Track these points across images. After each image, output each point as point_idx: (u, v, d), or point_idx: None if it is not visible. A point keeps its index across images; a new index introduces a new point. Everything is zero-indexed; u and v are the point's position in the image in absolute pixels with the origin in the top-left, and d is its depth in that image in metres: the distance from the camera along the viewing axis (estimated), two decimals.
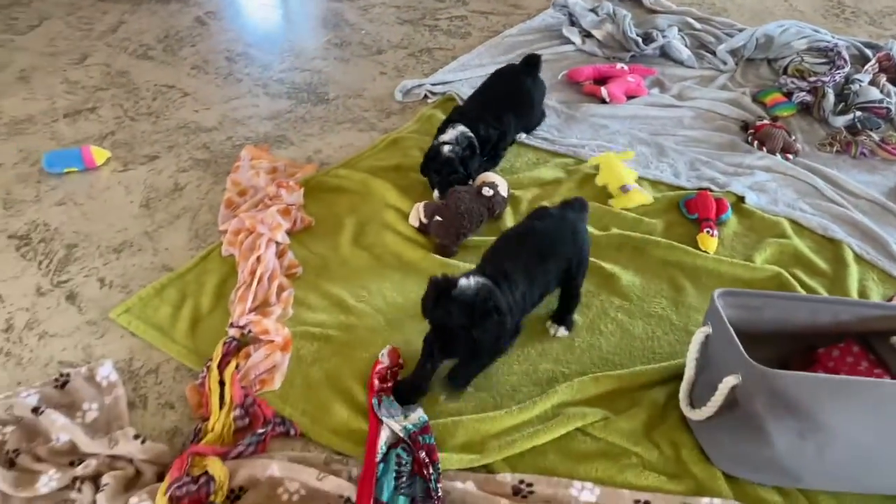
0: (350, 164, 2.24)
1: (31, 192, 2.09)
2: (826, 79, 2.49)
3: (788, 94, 2.52)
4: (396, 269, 1.87)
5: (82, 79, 2.68)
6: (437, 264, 1.84)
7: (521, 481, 1.36)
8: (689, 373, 1.45)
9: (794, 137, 2.33)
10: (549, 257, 1.56)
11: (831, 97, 2.43)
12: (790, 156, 2.27)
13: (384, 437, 1.40)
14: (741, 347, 1.30)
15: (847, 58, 2.57)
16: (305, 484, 1.34)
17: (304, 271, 1.85)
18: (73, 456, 1.39)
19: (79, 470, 1.34)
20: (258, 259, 1.81)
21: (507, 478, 1.37)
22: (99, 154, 2.18)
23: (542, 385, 1.56)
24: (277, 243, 1.89)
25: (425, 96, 2.60)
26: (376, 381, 1.52)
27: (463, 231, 1.93)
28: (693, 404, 1.43)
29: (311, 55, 2.90)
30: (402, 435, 1.40)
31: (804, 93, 2.49)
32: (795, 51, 2.71)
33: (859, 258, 1.90)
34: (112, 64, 2.79)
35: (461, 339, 1.37)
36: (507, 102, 2.23)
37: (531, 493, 1.34)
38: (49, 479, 1.33)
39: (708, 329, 1.43)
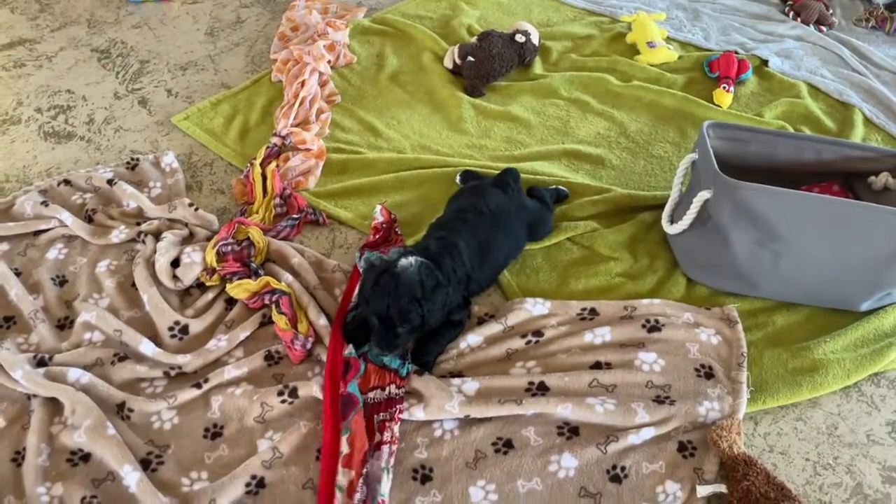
0: (397, 11, 2.39)
1: (111, 16, 2.34)
2: None
3: None
4: (426, 104, 2.05)
5: None
6: (465, 102, 2.01)
7: None
8: (673, 194, 1.60)
9: (831, 11, 2.35)
10: (502, 233, 1.51)
11: None
12: (824, 28, 2.31)
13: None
14: (715, 163, 1.44)
15: None
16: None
17: (342, 100, 2.05)
18: (139, 218, 1.66)
19: (143, 226, 1.61)
20: (302, 84, 2.01)
21: None
22: None
23: None
24: (320, 73, 2.09)
25: None
26: (371, 235, 1.63)
27: (493, 73, 2.08)
28: (673, 222, 1.59)
29: None
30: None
31: None
32: None
33: (868, 121, 1.97)
34: None
35: (409, 318, 1.28)
36: None
37: None
38: (119, 233, 1.61)
39: (694, 155, 1.57)
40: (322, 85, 2.08)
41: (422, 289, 1.29)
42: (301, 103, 1.97)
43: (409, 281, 1.29)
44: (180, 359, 1.37)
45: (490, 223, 1.49)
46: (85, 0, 2.41)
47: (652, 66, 2.15)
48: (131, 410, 1.30)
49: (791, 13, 2.35)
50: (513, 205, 1.55)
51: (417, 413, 1.27)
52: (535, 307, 1.47)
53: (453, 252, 1.39)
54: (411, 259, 1.32)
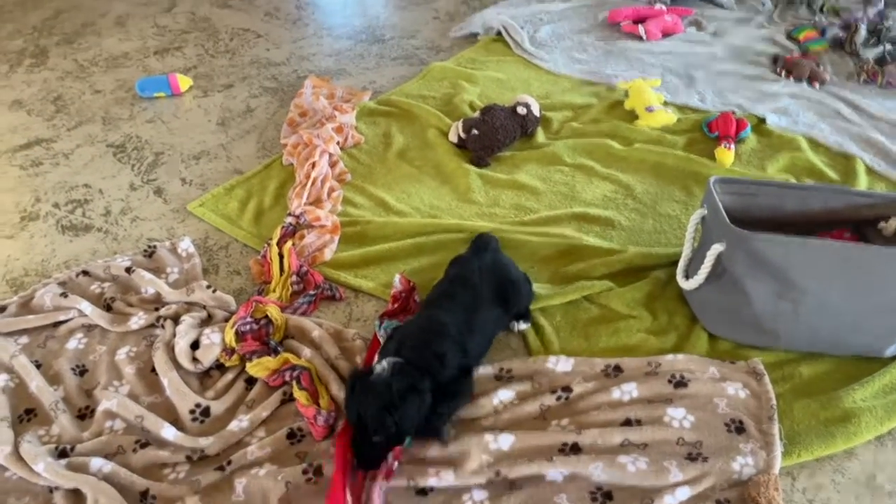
0: (401, 92, 2.48)
1: (125, 112, 2.43)
2: (860, 15, 2.56)
3: (822, 31, 2.61)
4: (434, 177, 2.09)
5: (170, 23, 3.04)
6: (472, 173, 2.05)
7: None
8: (686, 249, 1.61)
9: (822, 68, 2.42)
10: (483, 303, 1.47)
11: (863, 31, 2.51)
12: (817, 84, 2.37)
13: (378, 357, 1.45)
14: (725, 216, 1.46)
15: None
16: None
17: (352, 178, 2.09)
18: (157, 304, 1.68)
19: (162, 311, 1.63)
20: (313, 165, 2.07)
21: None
22: (184, 81, 2.51)
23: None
24: (330, 154, 2.14)
25: (476, 35, 2.81)
26: (390, 304, 1.63)
27: (497, 144, 2.13)
28: (688, 277, 1.59)
29: (372, 4, 3.17)
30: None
31: (837, 28, 2.57)
32: None
33: (870, 170, 2.00)
34: (196, 12, 3.14)
35: (384, 425, 1.21)
36: None
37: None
38: (138, 319, 1.61)
39: (704, 211, 1.59)
40: (332, 165, 2.13)
41: (390, 394, 1.22)
42: (313, 183, 2.01)
43: (378, 387, 1.23)
44: (202, 442, 1.35)
45: (472, 293, 1.48)
46: (99, 99, 2.51)
47: (652, 129, 2.20)
48: (154, 498, 1.27)
49: (783, 72, 2.42)
50: (486, 272, 1.52)
51: (447, 477, 1.24)
52: (558, 364, 1.47)
53: (439, 330, 1.37)
54: (384, 363, 1.28)
